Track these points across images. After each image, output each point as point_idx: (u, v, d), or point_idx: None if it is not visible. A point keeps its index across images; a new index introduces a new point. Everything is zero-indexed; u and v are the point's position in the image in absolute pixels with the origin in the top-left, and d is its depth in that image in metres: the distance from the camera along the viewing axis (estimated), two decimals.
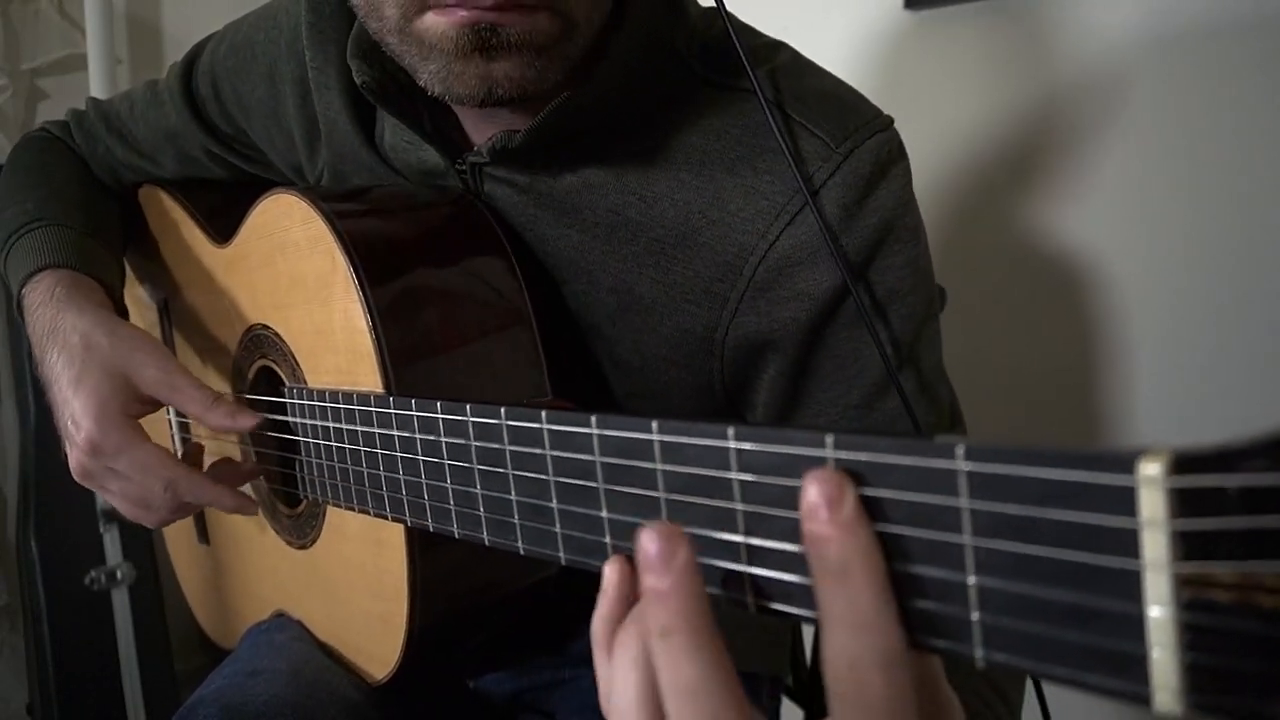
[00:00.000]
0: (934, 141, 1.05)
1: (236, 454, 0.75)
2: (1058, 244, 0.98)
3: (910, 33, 1.06)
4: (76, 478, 0.65)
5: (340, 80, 0.65)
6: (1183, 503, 0.22)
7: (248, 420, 0.62)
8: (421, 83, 0.52)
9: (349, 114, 0.65)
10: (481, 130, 0.61)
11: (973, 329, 1.03)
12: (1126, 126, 0.91)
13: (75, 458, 0.64)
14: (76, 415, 0.62)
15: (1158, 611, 0.23)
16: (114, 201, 0.85)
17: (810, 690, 0.93)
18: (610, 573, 0.34)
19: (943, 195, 1.05)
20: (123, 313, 0.73)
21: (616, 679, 0.31)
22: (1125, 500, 0.23)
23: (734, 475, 0.32)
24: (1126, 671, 0.23)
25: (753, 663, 0.74)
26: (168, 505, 0.64)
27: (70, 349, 0.63)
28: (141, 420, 0.65)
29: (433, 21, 0.49)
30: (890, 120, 0.56)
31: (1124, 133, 0.91)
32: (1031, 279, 1.00)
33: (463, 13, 0.47)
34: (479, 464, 0.44)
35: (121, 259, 0.81)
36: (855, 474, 0.28)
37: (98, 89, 1.42)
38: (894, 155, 0.55)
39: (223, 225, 0.76)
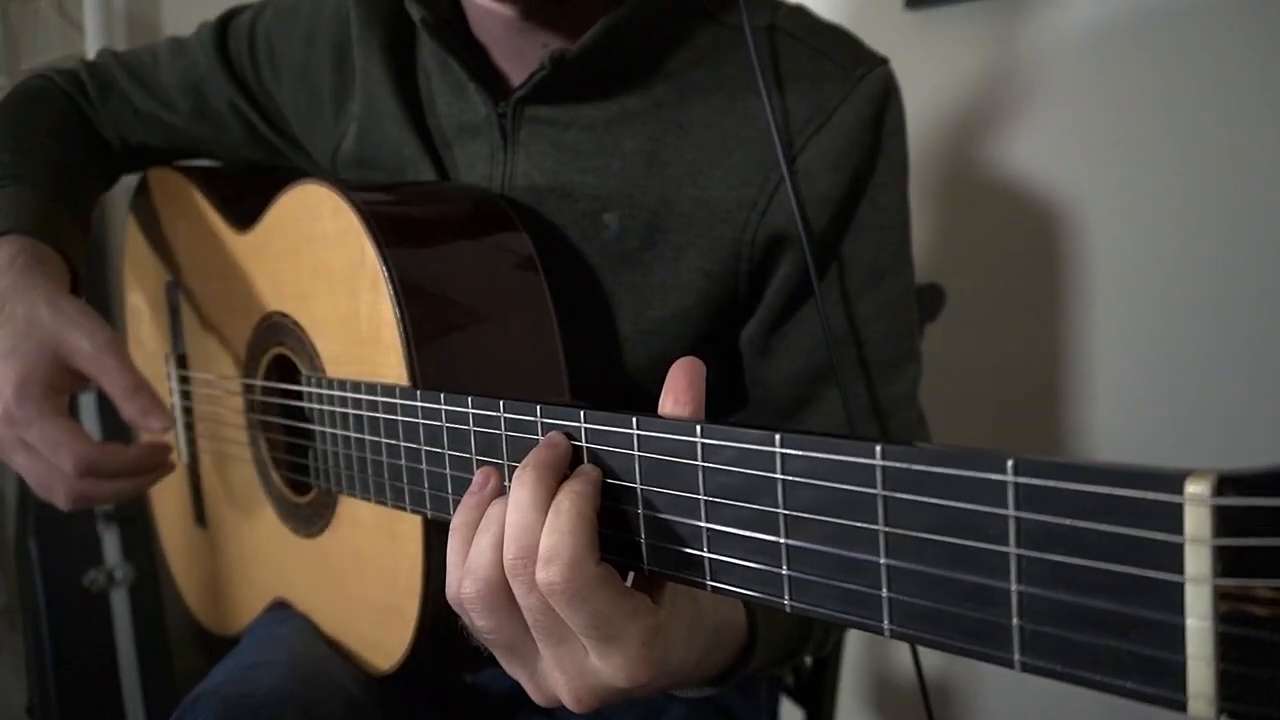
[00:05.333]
0: (934, 141, 1.06)
1: (240, 434, 0.76)
2: (1057, 243, 0.99)
3: (910, 33, 1.08)
4: None
5: (383, 41, 0.70)
6: (1226, 521, 0.23)
7: (156, 421, 0.65)
8: None
9: (388, 73, 0.69)
10: (519, 67, 0.65)
11: (971, 328, 1.05)
12: (1126, 126, 0.93)
13: None
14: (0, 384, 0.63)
15: (1196, 623, 0.24)
16: (96, 164, 0.83)
17: (810, 690, 0.94)
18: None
19: (942, 194, 1.07)
20: (80, 283, 0.72)
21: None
22: (1171, 517, 0.24)
23: (778, 476, 0.33)
24: (1163, 679, 0.25)
25: None
26: (71, 489, 0.65)
27: (14, 320, 0.64)
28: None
29: None
30: (887, 59, 0.64)
31: (1123, 132, 0.93)
32: (1031, 278, 1.02)
33: None
34: (509, 460, 0.45)
35: (88, 223, 0.80)
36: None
37: None
38: (896, 85, 0.63)
39: (240, 212, 0.76)
